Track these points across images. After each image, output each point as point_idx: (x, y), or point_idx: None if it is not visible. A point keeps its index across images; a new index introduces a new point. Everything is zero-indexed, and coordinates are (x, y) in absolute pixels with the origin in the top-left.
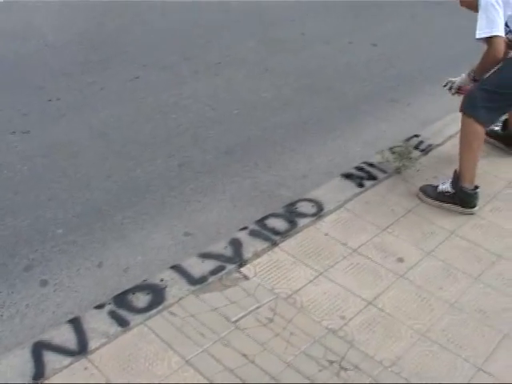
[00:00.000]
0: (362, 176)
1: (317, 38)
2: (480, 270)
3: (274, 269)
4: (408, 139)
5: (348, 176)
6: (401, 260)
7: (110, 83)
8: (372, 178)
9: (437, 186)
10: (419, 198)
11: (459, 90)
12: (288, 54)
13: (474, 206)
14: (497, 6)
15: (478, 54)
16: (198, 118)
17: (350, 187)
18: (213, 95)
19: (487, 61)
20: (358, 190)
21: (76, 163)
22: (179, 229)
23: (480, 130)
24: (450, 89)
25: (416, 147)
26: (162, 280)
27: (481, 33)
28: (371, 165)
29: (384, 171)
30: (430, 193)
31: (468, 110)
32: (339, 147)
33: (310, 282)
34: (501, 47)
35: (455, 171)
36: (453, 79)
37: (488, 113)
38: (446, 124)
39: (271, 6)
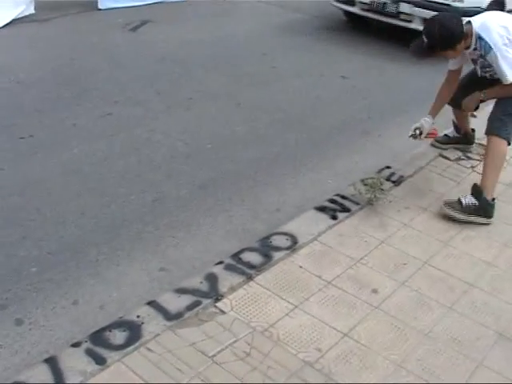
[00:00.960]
0: (335, 208)
1: (288, 71)
2: (453, 299)
3: (250, 302)
4: (380, 171)
5: (321, 209)
6: (375, 291)
7: (82, 119)
8: (345, 210)
9: (459, 201)
10: (446, 214)
11: (428, 136)
12: (260, 88)
13: (492, 216)
14: (510, 49)
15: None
16: (171, 153)
17: (324, 220)
18: (185, 130)
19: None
20: (332, 222)
21: (50, 200)
22: (154, 264)
23: (507, 150)
24: (420, 135)
25: (388, 178)
26: (138, 316)
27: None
28: (344, 197)
29: (357, 203)
30: (457, 207)
31: (502, 133)
32: (312, 180)
33: (286, 314)
34: None
35: (475, 185)
36: (417, 125)
37: None
38: (416, 155)
39: (242, 40)
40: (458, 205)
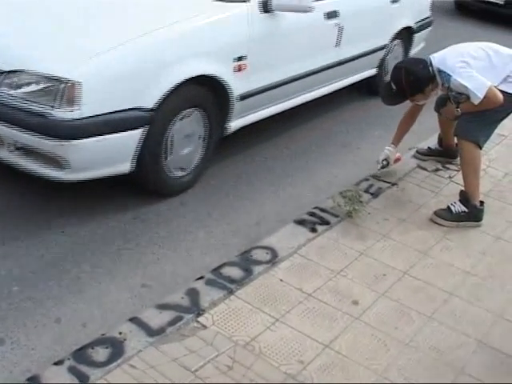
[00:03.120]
0: (315, 221)
1: None
2: (433, 309)
3: (231, 317)
4: (358, 183)
5: (300, 222)
6: (355, 302)
7: None
8: (324, 222)
9: (449, 209)
10: (436, 223)
11: (396, 161)
12: None
13: (481, 219)
14: (468, 69)
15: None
16: None
17: (303, 233)
18: None
19: (488, 107)
20: (311, 235)
21: (31, 218)
22: (136, 281)
23: (477, 152)
24: (387, 165)
25: (366, 191)
26: (120, 333)
27: (479, 94)
28: (323, 210)
29: (336, 216)
30: (447, 216)
31: (468, 135)
32: (291, 193)
33: (268, 328)
34: (498, 93)
35: (461, 191)
36: (383, 157)
37: (486, 135)
38: (394, 166)
39: None
40: (448, 213)
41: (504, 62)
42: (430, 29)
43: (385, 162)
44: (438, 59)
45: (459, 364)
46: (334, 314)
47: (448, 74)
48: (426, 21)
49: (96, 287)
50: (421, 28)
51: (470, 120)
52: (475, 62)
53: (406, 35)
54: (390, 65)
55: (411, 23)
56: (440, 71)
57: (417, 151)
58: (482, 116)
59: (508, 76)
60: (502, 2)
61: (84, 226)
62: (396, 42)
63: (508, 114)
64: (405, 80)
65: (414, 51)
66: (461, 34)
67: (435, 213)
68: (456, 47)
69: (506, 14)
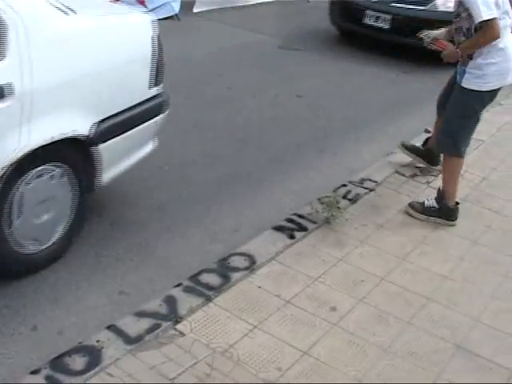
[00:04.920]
0: (293, 228)
1: (244, 91)
2: (411, 314)
3: (209, 324)
4: (336, 189)
5: (279, 228)
6: (333, 309)
7: None
8: (302, 229)
9: (423, 203)
10: (408, 214)
11: (435, 42)
12: (216, 109)
13: (455, 219)
14: None
15: (405, 101)
16: (128, 175)
17: (281, 239)
18: None
19: (484, 40)
20: (289, 241)
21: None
22: (113, 288)
23: (457, 161)
24: (426, 38)
25: (344, 196)
26: (98, 341)
27: (484, 15)
28: (301, 216)
29: (314, 222)
30: (419, 208)
31: (446, 149)
32: (269, 199)
33: (246, 335)
34: (499, 27)
35: (439, 189)
36: (430, 31)
37: (466, 143)
38: (372, 172)
39: (198, 61)
40: (421, 206)
41: None
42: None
43: (426, 34)
44: None
45: (437, 369)
46: (312, 320)
47: None
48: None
49: (73, 294)
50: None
51: (453, 132)
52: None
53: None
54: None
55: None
56: None
57: (402, 143)
58: (462, 120)
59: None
60: (388, 27)
61: None
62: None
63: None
64: None
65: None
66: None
67: (409, 204)
68: None
69: (391, 40)
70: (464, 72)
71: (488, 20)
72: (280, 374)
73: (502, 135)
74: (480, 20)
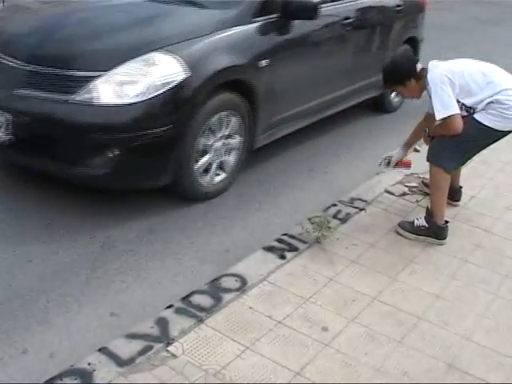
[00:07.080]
0: (283, 248)
1: None
2: (403, 333)
3: (201, 345)
4: (326, 209)
5: (269, 249)
6: (325, 329)
7: None
8: (293, 249)
9: (413, 222)
10: (398, 233)
11: (398, 164)
12: None
13: (445, 238)
14: (444, 87)
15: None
16: (118, 195)
17: (272, 260)
18: None
19: (447, 134)
20: (280, 262)
21: None
22: (105, 310)
23: (448, 176)
24: (388, 164)
25: (334, 216)
26: (89, 364)
27: (439, 114)
28: (291, 236)
29: (304, 242)
30: (408, 228)
31: (435, 160)
32: (259, 220)
33: (238, 356)
34: (459, 123)
35: (427, 208)
36: (389, 155)
37: (453, 161)
38: (362, 191)
39: None
40: (410, 225)
41: (494, 91)
42: None
43: (386, 161)
44: (432, 65)
45: None
46: (304, 340)
47: (427, 82)
48: None
49: (64, 316)
50: None
51: (441, 145)
52: (461, 83)
53: None
54: None
55: None
56: (426, 76)
57: (422, 181)
58: (454, 142)
59: (489, 103)
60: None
61: (52, 255)
62: None
63: (487, 145)
64: (387, 68)
65: None
66: None
67: (399, 223)
68: (459, 62)
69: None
70: None
71: (448, 116)
72: None
73: (490, 154)
74: (437, 119)
